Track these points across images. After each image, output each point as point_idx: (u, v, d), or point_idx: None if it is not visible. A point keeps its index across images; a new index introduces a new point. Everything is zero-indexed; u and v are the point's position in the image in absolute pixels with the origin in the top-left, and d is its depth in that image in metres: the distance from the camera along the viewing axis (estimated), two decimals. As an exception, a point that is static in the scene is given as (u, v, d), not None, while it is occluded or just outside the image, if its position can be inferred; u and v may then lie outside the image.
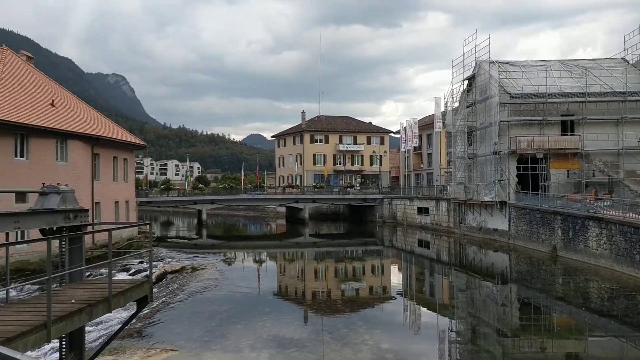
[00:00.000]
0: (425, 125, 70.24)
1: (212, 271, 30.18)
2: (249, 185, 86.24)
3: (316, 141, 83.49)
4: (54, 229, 10.88)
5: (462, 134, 47.11)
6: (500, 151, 40.32)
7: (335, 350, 15.00)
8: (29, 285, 22.49)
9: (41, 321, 8.15)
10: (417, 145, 68.71)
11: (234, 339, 16.26)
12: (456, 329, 19.28)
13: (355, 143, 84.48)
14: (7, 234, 9.32)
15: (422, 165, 74.89)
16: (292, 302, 24.08)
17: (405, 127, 67.35)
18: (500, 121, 40.03)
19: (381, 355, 14.77)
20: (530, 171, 39.81)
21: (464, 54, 46.22)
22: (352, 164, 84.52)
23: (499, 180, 40.46)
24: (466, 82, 46.95)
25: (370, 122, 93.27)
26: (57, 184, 11.23)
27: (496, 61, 44.05)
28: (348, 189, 73.42)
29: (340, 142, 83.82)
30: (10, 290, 19.77)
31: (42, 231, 10.80)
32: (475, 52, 44.41)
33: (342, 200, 68.59)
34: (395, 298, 24.96)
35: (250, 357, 14.43)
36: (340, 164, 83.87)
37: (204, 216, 64.75)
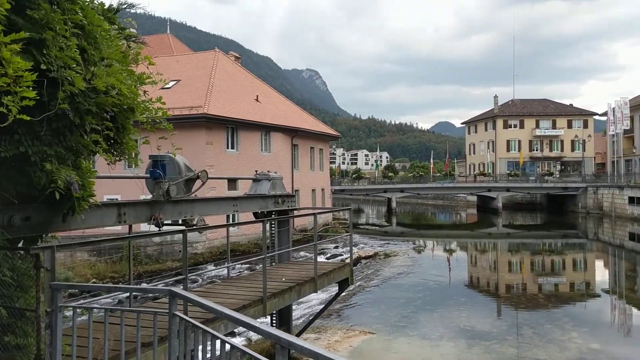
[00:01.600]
0: (637, 105, 62.79)
1: (404, 258, 30.41)
2: (437, 174, 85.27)
3: (510, 126, 79.37)
4: (265, 212, 11.83)
5: (685, 114, 41.25)
6: None
7: (538, 346, 14.17)
8: (239, 265, 24.83)
9: (258, 296, 8.94)
10: (627, 128, 61.75)
11: (430, 326, 16.24)
12: (681, 334, 17.02)
13: (554, 127, 78.63)
14: (227, 216, 10.32)
15: (634, 150, 67.11)
16: (486, 294, 23.28)
17: (613, 108, 60.93)
18: None
19: (592, 357, 13.63)
20: None
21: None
22: (551, 150, 78.81)
23: None
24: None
25: (570, 104, 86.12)
26: (267, 171, 12.19)
27: None
28: (546, 177, 68.63)
29: (537, 126, 78.61)
30: (216, 268, 21.94)
31: (254, 214, 11.82)
32: None
33: (540, 189, 64.34)
34: (601, 296, 22.76)
35: (447, 345, 14.29)
36: (537, 150, 78.74)
37: (394, 204, 65.49)
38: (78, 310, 5.17)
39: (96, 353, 5.16)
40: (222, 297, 8.85)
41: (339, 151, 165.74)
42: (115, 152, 6.23)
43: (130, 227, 8.20)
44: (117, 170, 6.95)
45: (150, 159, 8.41)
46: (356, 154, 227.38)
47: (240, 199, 10.88)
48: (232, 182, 29.65)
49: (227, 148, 31.46)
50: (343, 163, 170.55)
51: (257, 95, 37.46)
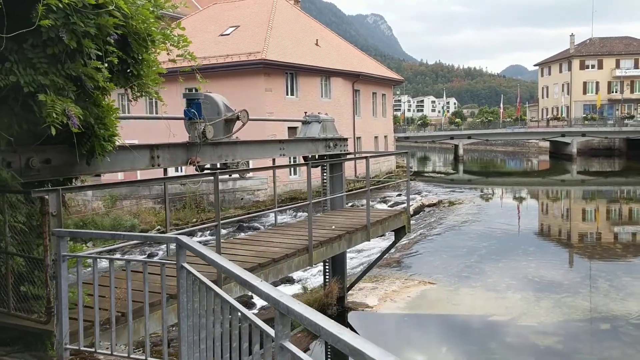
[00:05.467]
0: None
1: (470, 206, 29.23)
2: (508, 119, 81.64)
3: (587, 67, 74.35)
4: (316, 157, 11.12)
5: None
6: None
7: (615, 300, 13.03)
8: (301, 212, 24.44)
9: (303, 245, 8.34)
10: None
11: (495, 277, 15.32)
12: None
13: (636, 67, 73.01)
14: (273, 160, 9.70)
15: None
16: (557, 243, 21.96)
17: None
18: None
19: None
20: None
21: None
22: (632, 92, 73.48)
23: None
24: None
25: (657, 42, 79.58)
26: (318, 113, 11.41)
27: None
28: (626, 120, 64.26)
29: (617, 66, 73.22)
30: (280, 215, 21.61)
31: (304, 159, 11.13)
32: None
33: (619, 134, 60.40)
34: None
35: (513, 298, 13.37)
36: (616, 92, 73.62)
37: (461, 151, 63.41)
38: (88, 260, 4.68)
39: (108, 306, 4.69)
40: (264, 246, 8.32)
41: (404, 98, 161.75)
42: (133, 88, 5.64)
43: (164, 170, 7.72)
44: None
45: (185, 98, 7.82)
46: (422, 101, 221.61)
47: (287, 141, 10.19)
48: (293, 130, 29.09)
49: (287, 94, 30.77)
50: (408, 110, 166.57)
51: (317, 40, 36.28)
